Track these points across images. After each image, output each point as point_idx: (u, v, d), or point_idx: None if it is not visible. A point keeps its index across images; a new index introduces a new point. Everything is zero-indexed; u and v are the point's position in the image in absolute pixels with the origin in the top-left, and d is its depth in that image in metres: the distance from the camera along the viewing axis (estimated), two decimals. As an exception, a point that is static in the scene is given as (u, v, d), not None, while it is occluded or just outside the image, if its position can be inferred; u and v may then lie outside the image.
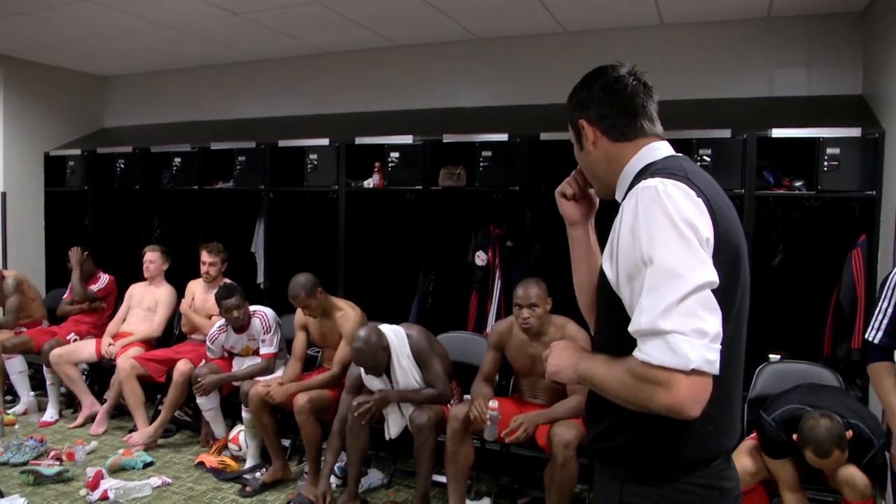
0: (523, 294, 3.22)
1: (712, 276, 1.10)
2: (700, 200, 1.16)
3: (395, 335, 3.41)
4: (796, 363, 3.35)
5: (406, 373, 3.40)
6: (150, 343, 4.66)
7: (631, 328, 1.13)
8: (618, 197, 1.35)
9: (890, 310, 2.25)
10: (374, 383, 3.43)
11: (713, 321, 1.09)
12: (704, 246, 1.13)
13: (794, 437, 2.55)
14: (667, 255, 1.10)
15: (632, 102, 1.32)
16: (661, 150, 1.32)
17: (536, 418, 3.14)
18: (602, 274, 1.27)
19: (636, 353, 1.11)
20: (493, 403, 3.11)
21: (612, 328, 1.25)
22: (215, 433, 4.18)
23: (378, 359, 3.31)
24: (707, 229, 1.14)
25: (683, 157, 1.31)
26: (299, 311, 3.87)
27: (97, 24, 4.61)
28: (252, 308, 4.11)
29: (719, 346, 1.09)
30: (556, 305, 3.38)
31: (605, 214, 1.42)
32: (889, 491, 2.29)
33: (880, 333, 2.27)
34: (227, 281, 4.38)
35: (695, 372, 1.06)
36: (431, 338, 3.56)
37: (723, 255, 1.15)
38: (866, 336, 2.33)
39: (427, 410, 3.33)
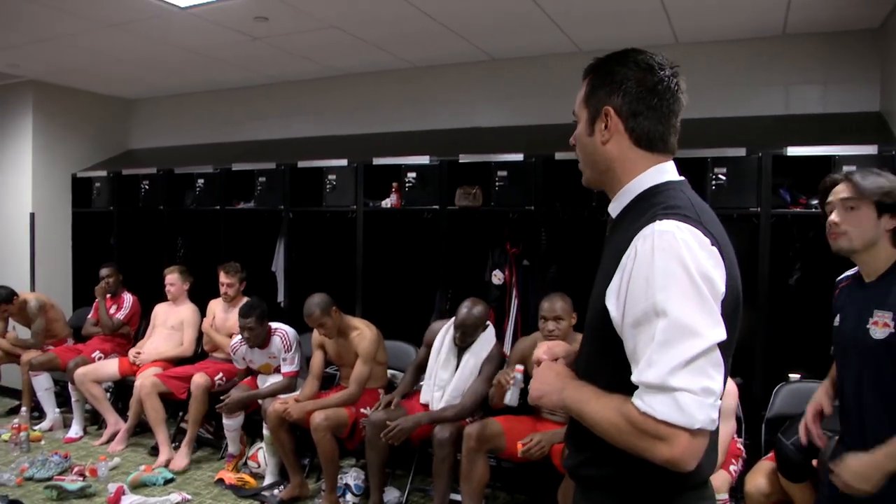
0: (549, 307, 3.27)
1: (723, 333, 1.09)
2: (714, 249, 1.12)
3: (490, 333, 3.64)
4: (815, 382, 3.30)
5: (469, 367, 3.53)
6: (171, 361, 4.74)
7: (635, 378, 1.10)
8: (612, 210, 1.30)
9: None
10: (442, 360, 3.58)
11: (719, 379, 1.08)
12: (716, 301, 1.10)
13: (814, 463, 2.52)
14: (682, 312, 1.06)
15: (671, 111, 1.23)
16: (667, 172, 1.26)
17: (553, 437, 3.12)
18: (600, 309, 1.20)
19: (638, 403, 1.09)
20: (519, 366, 3.10)
21: (601, 361, 1.24)
22: (231, 449, 4.23)
23: (476, 329, 3.52)
24: (721, 282, 1.12)
25: (685, 185, 1.26)
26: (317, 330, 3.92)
27: (123, 49, 4.75)
28: (273, 326, 4.16)
29: (720, 403, 1.09)
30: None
31: (601, 226, 1.39)
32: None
33: None
34: (250, 298, 4.30)
35: (699, 431, 1.06)
36: (497, 362, 3.60)
37: (728, 305, 1.13)
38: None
39: (449, 426, 3.36)
